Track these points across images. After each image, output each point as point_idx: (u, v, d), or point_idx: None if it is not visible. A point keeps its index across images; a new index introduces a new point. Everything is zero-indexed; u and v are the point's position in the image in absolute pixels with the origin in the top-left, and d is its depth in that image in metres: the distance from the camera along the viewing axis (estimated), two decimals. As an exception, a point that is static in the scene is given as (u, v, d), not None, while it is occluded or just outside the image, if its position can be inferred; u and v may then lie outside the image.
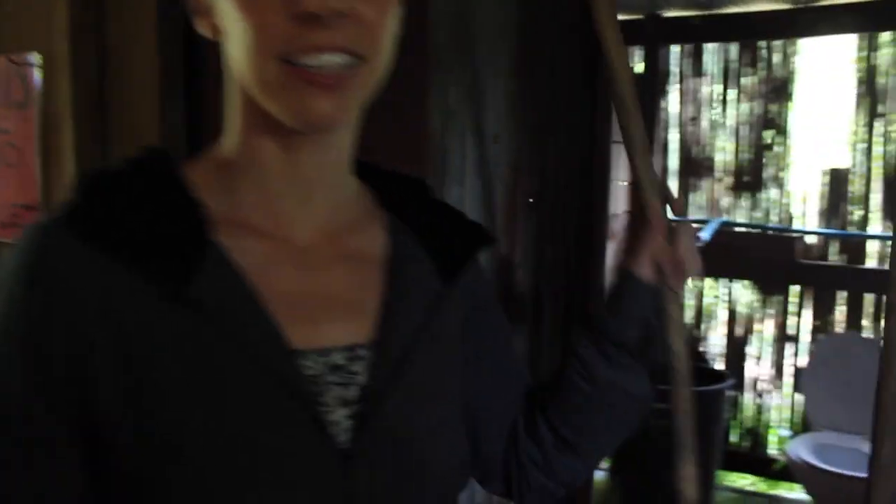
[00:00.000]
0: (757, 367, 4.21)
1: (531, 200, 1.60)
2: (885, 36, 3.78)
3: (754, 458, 4.13)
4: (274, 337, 0.68)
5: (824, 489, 3.38)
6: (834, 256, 4.01)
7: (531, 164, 1.66)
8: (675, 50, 4.14)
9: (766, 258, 4.04)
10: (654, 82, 3.99)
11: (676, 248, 0.94)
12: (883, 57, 3.82)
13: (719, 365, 4.20)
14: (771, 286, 4.12)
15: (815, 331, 4.04)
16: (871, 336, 3.90)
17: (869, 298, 3.93)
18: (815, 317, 4.05)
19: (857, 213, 3.94)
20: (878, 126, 3.84)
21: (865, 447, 3.43)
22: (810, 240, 4.05)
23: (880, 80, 3.83)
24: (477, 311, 0.90)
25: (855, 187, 3.94)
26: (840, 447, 3.49)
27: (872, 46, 3.83)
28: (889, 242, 3.88)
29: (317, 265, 0.76)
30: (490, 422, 0.93)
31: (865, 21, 3.74)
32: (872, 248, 3.95)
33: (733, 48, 4.06)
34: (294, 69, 0.65)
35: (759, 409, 4.19)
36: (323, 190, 0.76)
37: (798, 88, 3.99)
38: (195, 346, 0.66)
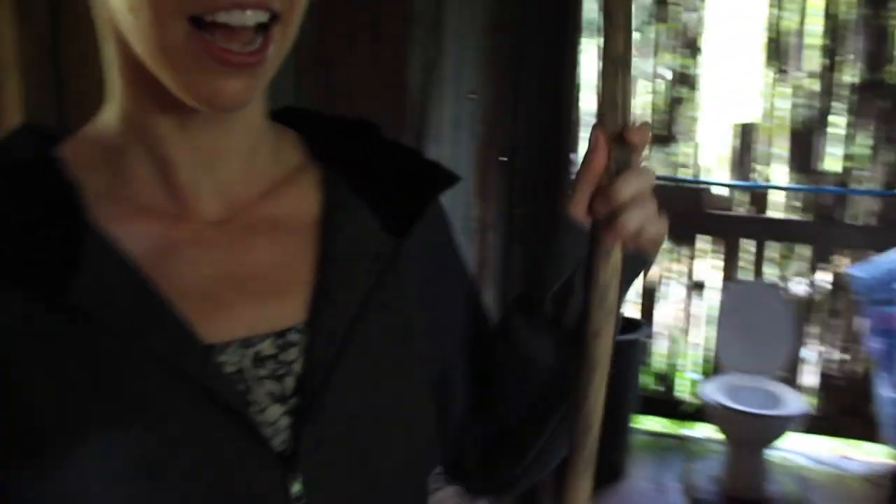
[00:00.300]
0: (667, 314, 4.37)
1: (503, 159, 1.57)
2: (790, -7, 3.90)
3: (666, 402, 4.30)
4: (180, 333, 0.58)
5: (735, 427, 3.58)
6: (740, 206, 4.17)
7: (505, 121, 1.63)
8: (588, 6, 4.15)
9: (676, 209, 4.17)
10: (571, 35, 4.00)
11: (616, 193, 0.69)
12: (788, 14, 3.94)
13: (632, 313, 4.33)
14: (681, 236, 4.26)
15: (724, 278, 4.22)
16: (776, 282, 4.10)
17: (773, 246, 4.12)
18: (723, 264, 4.22)
19: (764, 165, 4.10)
20: (784, 81, 3.99)
21: (772, 387, 3.68)
22: (718, 191, 4.20)
23: (785, 37, 3.96)
24: (437, 262, 0.79)
25: (761, 139, 4.09)
26: (749, 388, 3.68)
27: (779, 4, 3.95)
28: (794, 193, 4.07)
29: (230, 242, 0.65)
30: (457, 388, 0.81)
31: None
32: (776, 198, 4.12)
33: (644, 2, 4.10)
34: (204, 42, 0.55)
35: (670, 355, 4.36)
36: (230, 156, 0.66)
37: (707, 44, 4.08)
38: (83, 360, 0.56)
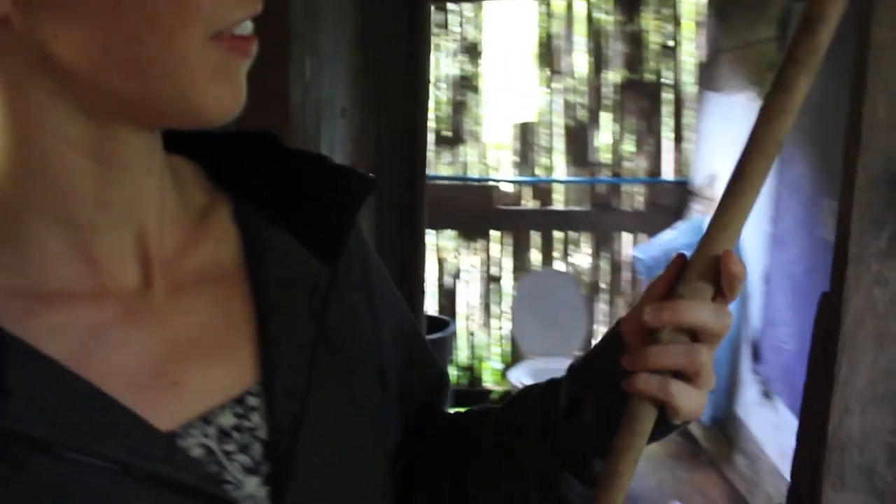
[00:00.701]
0: (467, 308, 4.54)
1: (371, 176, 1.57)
2: (558, 2, 4.21)
3: (474, 393, 4.47)
4: (136, 431, 0.51)
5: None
6: (527, 201, 4.43)
7: (370, 140, 1.62)
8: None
9: (467, 207, 4.35)
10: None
11: (656, 315, 0.59)
12: (556, 21, 4.25)
13: (433, 311, 4.45)
14: (473, 232, 4.44)
15: (516, 269, 4.46)
16: (564, 269, 4.42)
17: (558, 236, 4.43)
18: (515, 256, 4.46)
19: (545, 161, 4.40)
20: (557, 83, 4.30)
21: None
22: (505, 187, 4.43)
23: (555, 42, 4.27)
24: (366, 276, 0.72)
25: (541, 138, 4.38)
26: (552, 370, 3.90)
27: (548, 12, 4.25)
28: (573, 185, 4.41)
29: (160, 310, 0.57)
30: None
31: (541, -13, 4.15)
32: (558, 191, 4.43)
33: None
34: (224, 40, 0.51)
35: (473, 347, 4.54)
36: (145, 207, 0.57)
37: (487, 49, 4.29)
38: (28, 494, 0.48)
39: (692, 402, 0.59)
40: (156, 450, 0.51)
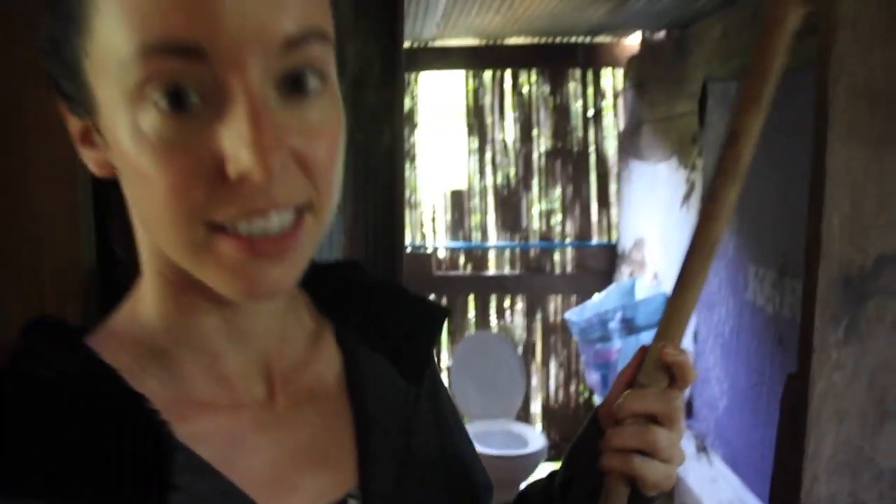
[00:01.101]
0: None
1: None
2: (487, 74, 4.42)
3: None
4: None
5: (490, 471, 3.89)
6: (462, 267, 4.57)
7: (360, 231, 1.69)
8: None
9: (406, 274, 4.44)
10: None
11: (622, 407, 0.71)
12: (486, 91, 4.45)
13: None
14: (410, 298, 4.53)
15: (454, 333, 4.56)
16: (500, 332, 4.55)
17: (493, 300, 4.57)
18: (449, 321, 4.57)
19: (477, 227, 4.55)
20: (487, 152, 4.48)
21: (514, 428, 4.07)
22: (441, 253, 4.56)
23: (486, 112, 4.46)
24: (439, 396, 0.81)
25: (474, 205, 4.53)
26: (494, 432, 4.03)
27: (478, 83, 4.45)
28: (506, 250, 4.56)
29: (279, 422, 0.66)
30: None
31: (471, 60, 4.35)
32: (492, 256, 4.58)
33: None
34: (227, 237, 0.52)
35: (412, 411, 4.59)
36: (269, 336, 0.66)
37: (421, 119, 4.45)
38: None
39: (656, 474, 0.69)
40: None
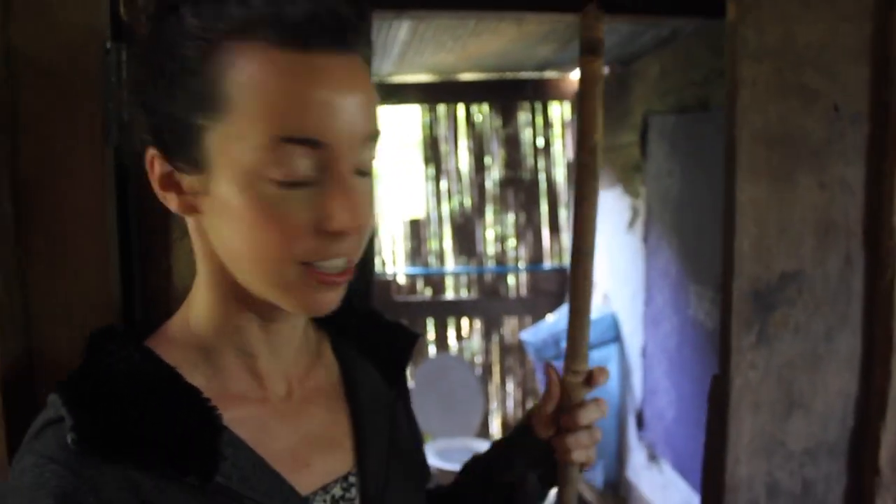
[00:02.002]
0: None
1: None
2: (441, 107, 4.61)
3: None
4: (289, 494, 0.75)
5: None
6: (420, 292, 4.72)
7: None
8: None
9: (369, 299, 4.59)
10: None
11: (579, 419, 0.90)
12: (441, 123, 4.65)
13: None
14: (371, 323, 4.66)
15: (414, 355, 4.69)
16: (458, 354, 4.70)
17: (451, 322, 4.73)
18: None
19: (435, 253, 4.72)
20: (443, 181, 4.67)
21: (473, 444, 4.21)
22: (401, 279, 4.71)
23: (441, 144, 4.66)
24: (407, 401, 1.00)
25: (431, 232, 4.71)
26: (456, 449, 4.18)
27: (433, 116, 4.64)
28: (462, 275, 4.74)
29: (295, 413, 0.82)
30: None
31: (426, 95, 4.54)
32: (449, 281, 4.75)
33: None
34: (311, 270, 0.70)
35: (375, 434, 4.71)
36: (291, 344, 0.83)
37: (379, 151, 4.61)
38: None
39: (596, 457, 0.94)
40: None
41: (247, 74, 0.66)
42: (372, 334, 0.94)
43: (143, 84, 0.71)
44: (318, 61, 0.67)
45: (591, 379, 0.91)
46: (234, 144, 0.67)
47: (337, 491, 0.81)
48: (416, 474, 0.95)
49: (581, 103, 0.89)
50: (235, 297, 0.76)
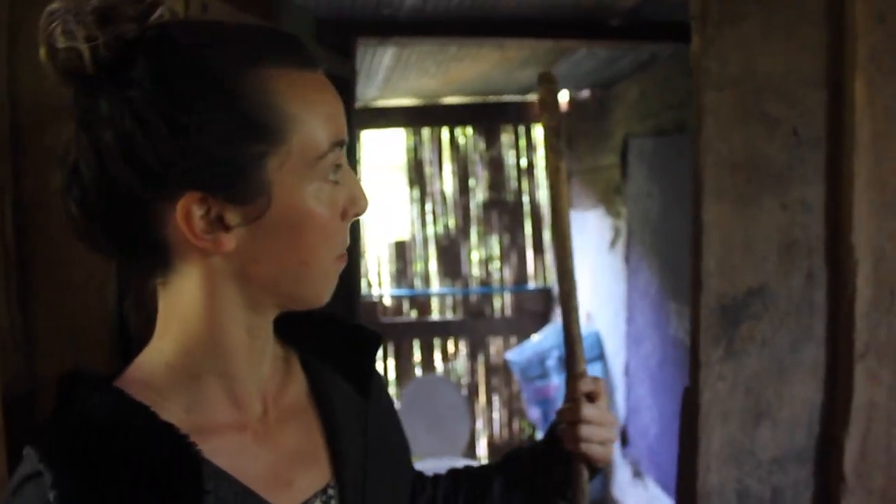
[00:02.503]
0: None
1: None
2: (425, 131, 4.69)
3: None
4: None
5: None
6: (406, 313, 4.77)
7: None
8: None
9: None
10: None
11: (578, 412, 0.97)
12: (426, 147, 4.72)
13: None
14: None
15: (400, 376, 4.75)
16: (444, 374, 4.75)
17: (437, 343, 4.78)
18: (398, 364, 4.76)
19: (420, 275, 4.77)
20: (428, 203, 4.74)
21: (461, 464, 4.23)
22: (387, 301, 4.76)
23: (425, 167, 4.73)
24: (387, 406, 1.00)
25: (416, 254, 4.77)
26: (441, 468, 4.17)
27: (417, 139, 4.72)
28: (448, 297, 4.79)
29: (273, 432, 0.82)
30: None
31: (410, 119, 4.62)
32: (435, 302, 4.81)
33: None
34: (338, 259, 0.78)
35: (362, 455, 4.73)
36: (265, 359, 0.83)
37: (365, 173, 4.68)
38: None
39: (611, 454, 1.00)
40: None
41: (291, 96, 0.72)
42: (335, 342, 0.93)
43: (166, 135, 0.68)
44: (322, 77, 0.76)
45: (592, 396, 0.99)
46: (296, 160, 0.72)
47: (317, 503, 0.82)
48: (400, 477, 0.97)
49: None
50: (248, 314, 0.78)
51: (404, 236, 4.79)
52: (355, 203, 0.78)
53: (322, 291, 0.79)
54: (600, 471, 1.03)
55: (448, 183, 4.75)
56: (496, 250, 4.79)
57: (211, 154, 0.68)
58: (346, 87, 1.98)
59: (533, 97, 4.55)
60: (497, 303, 4.82)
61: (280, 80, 0.71)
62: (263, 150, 0.70)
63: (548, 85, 1.01)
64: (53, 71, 0.68)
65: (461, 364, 4.81)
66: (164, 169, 0.67)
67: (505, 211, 4.77)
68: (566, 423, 0.98)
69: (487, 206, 4.76)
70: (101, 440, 0.69)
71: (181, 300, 0.76)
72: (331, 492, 0.84)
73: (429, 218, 4.75)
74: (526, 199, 4.77)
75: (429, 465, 4.26)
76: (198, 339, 0.77)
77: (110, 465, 0.68)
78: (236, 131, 0.69)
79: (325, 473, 0.84)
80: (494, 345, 4.79)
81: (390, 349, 4.74)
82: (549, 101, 1.01)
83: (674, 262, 2.98)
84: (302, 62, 0.74)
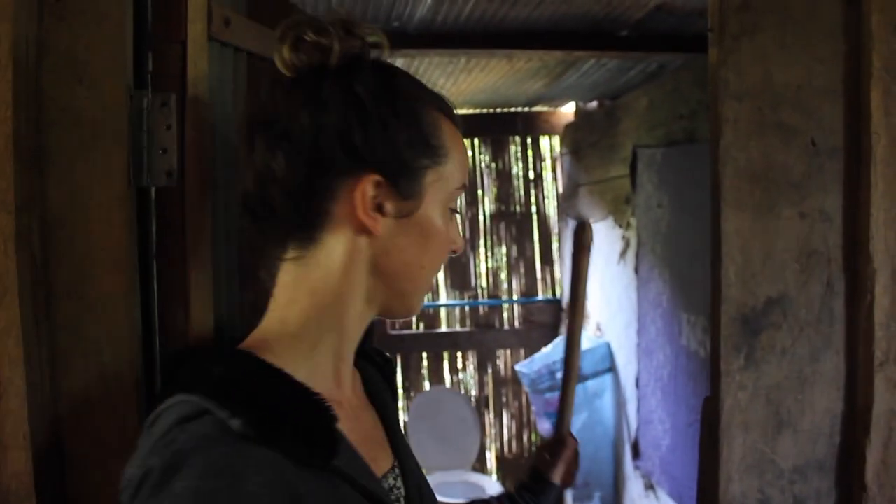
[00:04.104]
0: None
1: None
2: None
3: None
4: (374, 477, 0.87)
5: (450, 520, 4.05)
6: (415, 325, 4.78)
7: None
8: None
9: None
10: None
11: (572, 461, 1.42)
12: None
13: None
14: (367, 357, 4.71)
15: (408, 389, 4.74)
16: (453, 387, 4.74)
17: (445, 356, 4.78)
18: (405, 377, 4.75)
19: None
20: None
21: (471, 478, 4.24)
22: (395, 313, 4.77)
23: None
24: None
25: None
26: (452, 482, 4.19)
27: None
28: (456, 308, 4.79)
29: (356, 415, 0.95)
30: None
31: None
32: (442, 314, 4.81)
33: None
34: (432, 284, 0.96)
35: (372, 468, 4.73)
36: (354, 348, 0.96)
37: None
38: (345, 499, 0.82)
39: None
40: (382, 493, 0.87)
41: (450, 136, 0.91)
42: (368, 348, 1.05)
43: (376, 127, 0.85)
44: (463, 139, 0.95)
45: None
46: (442, 183, 0.90)
47: (391, 480, 0.93)
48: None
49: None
50: (363, 303, 0.90)
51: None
52: (456, 241, 0.93)
53: (417, 305, 0.93)
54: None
55: (456, 195, 4.75)
56: (504, 262, 4.80)
57: (398, 149, 0.86)
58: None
59: (540, 108, 4.57)
60: (506, 314, 4.82)
61: (445, 124, 0.91)
62: (427, 164, 0.88)
63: (586, 232, 1.40)
64: (290, 60, 0.87)
65: (470, 376, 4.80)
66: (365, 150, 0.84)
67: (513, 222, 4.77)
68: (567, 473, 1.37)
69: (495, 217, 4.77)
70: (252, 390, 0.78)
71: (317, 273, 0.87)
72: (396, 471, 0.95)
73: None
74: (534, 210, 4.77)
75: (438, 478, 4.26)
76: (324, 312, 0.88)
77: (269, 410, 0.77)
78: (416, 141, 0.87)
79: (390, 457, 0.96)
80: (503, 357, 4.79)
81: (398, 362, 4.74)
82: (586, 244, 1.39)
83: (685, 272, 2.98)
84: (458, 122, 0.94)
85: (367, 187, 0.84)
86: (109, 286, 1.07)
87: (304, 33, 0.86)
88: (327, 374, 0.89)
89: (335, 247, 0.86)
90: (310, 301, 0.87)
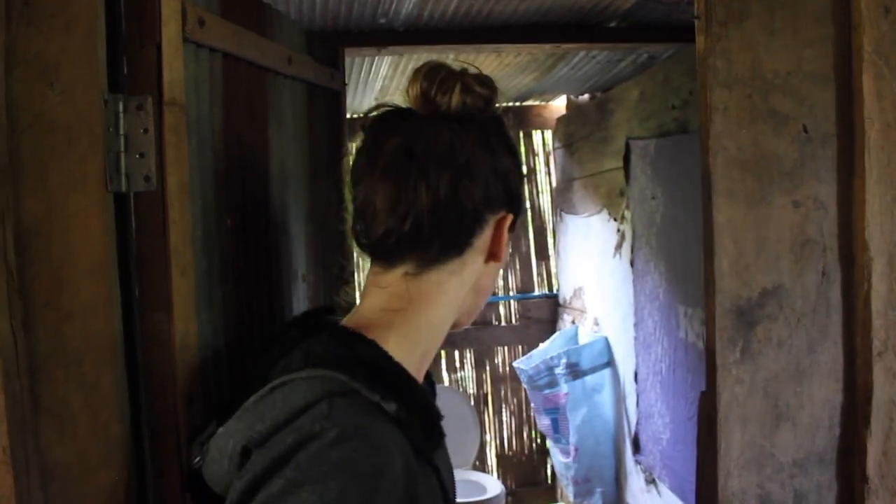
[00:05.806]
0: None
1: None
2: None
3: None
4: (452, 477, 1.01)
5: (452, 519, 4.03)
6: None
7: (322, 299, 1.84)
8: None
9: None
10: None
11: None
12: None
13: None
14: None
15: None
16: (451, 386, 4.72)
17: (443, 354, 4.75)
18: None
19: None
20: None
21: (472, 477, 4.22)
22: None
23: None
24: None
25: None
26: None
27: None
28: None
29: None
30: None
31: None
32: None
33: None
34: None
35: (372, 469, 4.70)
36: None
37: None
38: (434, 490, 0.93)
39: None
40: (454, 484, 1.01)
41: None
42: None
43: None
44: None
45: None
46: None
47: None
48: None
49: None
50: (453, 314, 1.00)
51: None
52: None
53: (475, 311, 1.04)
54: None
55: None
56: (500, 258, 4.77)
57: (520, 193, 1.02)
58: (336, 99, 1.98)
59: (532, 103, 4.54)
60: (503, 311, 4.80)
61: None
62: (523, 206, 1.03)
63: None
64: (452, 104, 0.95)
65: (468, 374, 4.78)
66: (514, 194, 0.99)
67: (507, 218, 4.75)
68: None
69: (490, 214, 4.74)
70: (390, 378, 0.87)
71: (438, 289, 0.96)
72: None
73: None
74: (528, 205, 4.75)
75: (439, 476, 4.24)
76: (436, 322, 0.97)
77: (406, 396, 0.87)
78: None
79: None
80: (501, 354, 4.77)
81: (397, 361, 4.72)
82: None
83: (680, 264, 2.96)
84: None
85: (504, 223, 0.98)
86: (88, 295, 1.05)
87: (471, 84, 0.96)
88: (417, 363, 0.96)
89: (470, 268, 0.98)
90: (428, 311, 0.95)
